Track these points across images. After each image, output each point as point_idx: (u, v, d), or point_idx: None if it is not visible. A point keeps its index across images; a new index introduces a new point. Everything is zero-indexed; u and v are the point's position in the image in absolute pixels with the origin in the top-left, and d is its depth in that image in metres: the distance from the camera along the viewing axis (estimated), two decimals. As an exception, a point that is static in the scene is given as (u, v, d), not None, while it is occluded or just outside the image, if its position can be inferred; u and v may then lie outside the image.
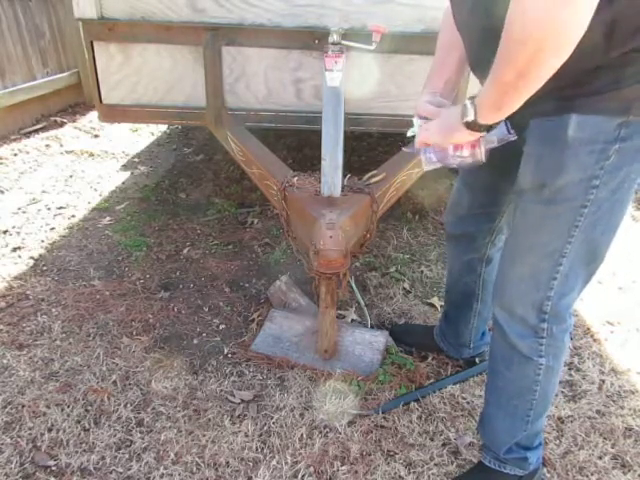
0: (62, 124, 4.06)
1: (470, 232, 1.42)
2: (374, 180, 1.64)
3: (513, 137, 0.94)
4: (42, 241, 2.40)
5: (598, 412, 1.56)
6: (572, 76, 0.78)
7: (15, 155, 3.40)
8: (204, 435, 1.43)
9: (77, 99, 4.54)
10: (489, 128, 0.92)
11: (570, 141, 0.90)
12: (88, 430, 1.43)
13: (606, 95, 0.86)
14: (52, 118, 4.12)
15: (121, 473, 1.32)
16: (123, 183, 3.11)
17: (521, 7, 0.72)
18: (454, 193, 1.42)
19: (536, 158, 0.98)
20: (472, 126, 0.90)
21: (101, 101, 2.01)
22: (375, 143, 3.66)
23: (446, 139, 0.98)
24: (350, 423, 1.48)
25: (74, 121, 4.17)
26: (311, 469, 1.34)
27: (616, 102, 0.86)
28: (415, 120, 1.13)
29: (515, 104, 0.82)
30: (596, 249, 1.01)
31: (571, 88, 0.79)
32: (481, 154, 1.00)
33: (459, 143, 0.98)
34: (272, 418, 1.49)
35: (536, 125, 0.97)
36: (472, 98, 0.89)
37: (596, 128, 0.88)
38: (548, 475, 1.36)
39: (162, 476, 1.32)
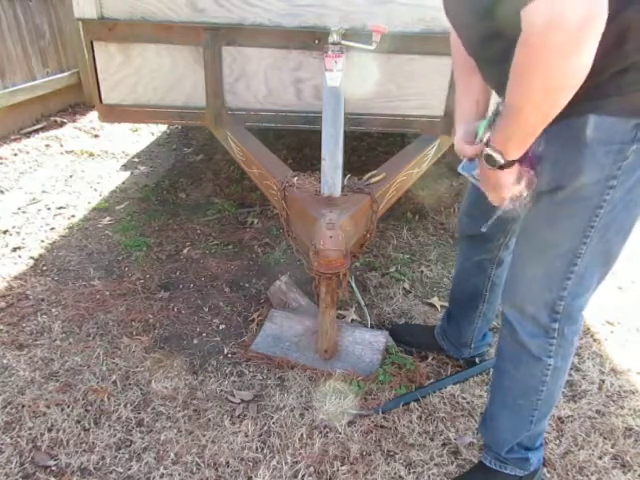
0: (62, 124, 4.06)
1: (483, 233, 1.41)
2: (374, 180, 1.64)
3: None
4: (42, 241, 2.40)
5: (598, 412, 1.56)
6: (588, 81, 0.79)
7: (15, 155, 3.40)
8: (204, 435, 1.43)
9: (77, 99, 4.54)
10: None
11: (588, 142, 0.90)
12: (88, 430, 1.43)
13: (621, 97, 0.87)
14: (52, 118, 4.12)
15: (121, 473, 1.32)
16: (123, 183, 3.11)
17: (533, 60, 0.75)
18: (468, 193, 1.42)
19: (553, 160, 0.97)
20: (507, 166, 0.93)
21: (101, 101, 2.01)
22: (375, 143, 3.66)
23: (500, 189, 1.00)
24: (350, 423, 1.48)
25: (74, 121, 4.18)
26: (311, 469, 1.34)
27: (626, 105, 0.87)
28: (464, 172, 1.14)
29: (538, 135, 0.86)
30: (610, 249, 1.01)
31: (587, 92, 0.80)
32: (532, 176, 1.00)
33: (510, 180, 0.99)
34: (272, 418, 1.49)
35: (553, 128, 0.97)
36: (487, 143, 0.92)
37: (613, 129, 0.89)
38: (548, 475, 1.36)
39: (162, 476, 1.32)
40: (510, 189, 1.00)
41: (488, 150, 0.92)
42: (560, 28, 0.70)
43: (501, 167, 0.93)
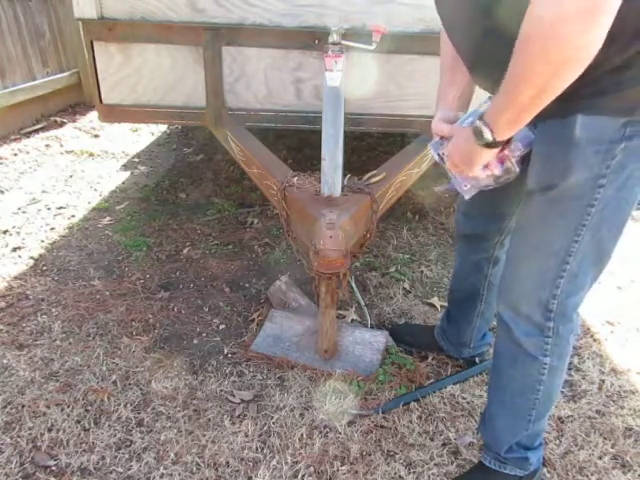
0: (62, 124, 4.06)
1: (480, 232, 1.42)
2: (374, 180, 1.64)
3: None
4: (42, 241, 2.40)
5: (598, 412, 1.56)
6: (579, 80, 0.79)
7: (15, 155, 3.40)
8: (204, 435, 1.43)
9: (77, 99, 4.54)
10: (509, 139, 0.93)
11: (577, 141, 0.91)
12: (88, 430, 1.43)
13: (610, 96, 0.87)
14: (52, 118, 4.12)
15: (121, 473, 1.32)
16: (123, 183, 3.11)
17: (542, 30, 0.72)
18: None
19: (543, 159, 0.98)
20: (492, 145, 0.92)
21: (101, 101, 2.01)
22: (375, 143, 3.66)
23: (473, 166, 0.99)
24: (350, 423, 1.48)
25: (74, 121, 4.18)
26: (311, 469, 1.34)
27: (620, 103, 0.87)
28: (431, 148, 1.15)
29: (531, 117, 0.83)
30: (603, 248, 1.01)
31: (576, 90, 0.80)
32: (513, 165, 1.01)
33: (487, 163, 0.99)
34: (272, 418, 1.49)
35: (542, 126, 0.97)
36: (481, 117, 0.90)
37: (601, 128, 0.89)
38: (548, 475, 1.36)
39: (162, 476, 1.32)
40: (479, 171, 1.00)
41: (478, 123, 0.90)
42: (575, 2, 0.68)
43: (488, 145, 0.92)
